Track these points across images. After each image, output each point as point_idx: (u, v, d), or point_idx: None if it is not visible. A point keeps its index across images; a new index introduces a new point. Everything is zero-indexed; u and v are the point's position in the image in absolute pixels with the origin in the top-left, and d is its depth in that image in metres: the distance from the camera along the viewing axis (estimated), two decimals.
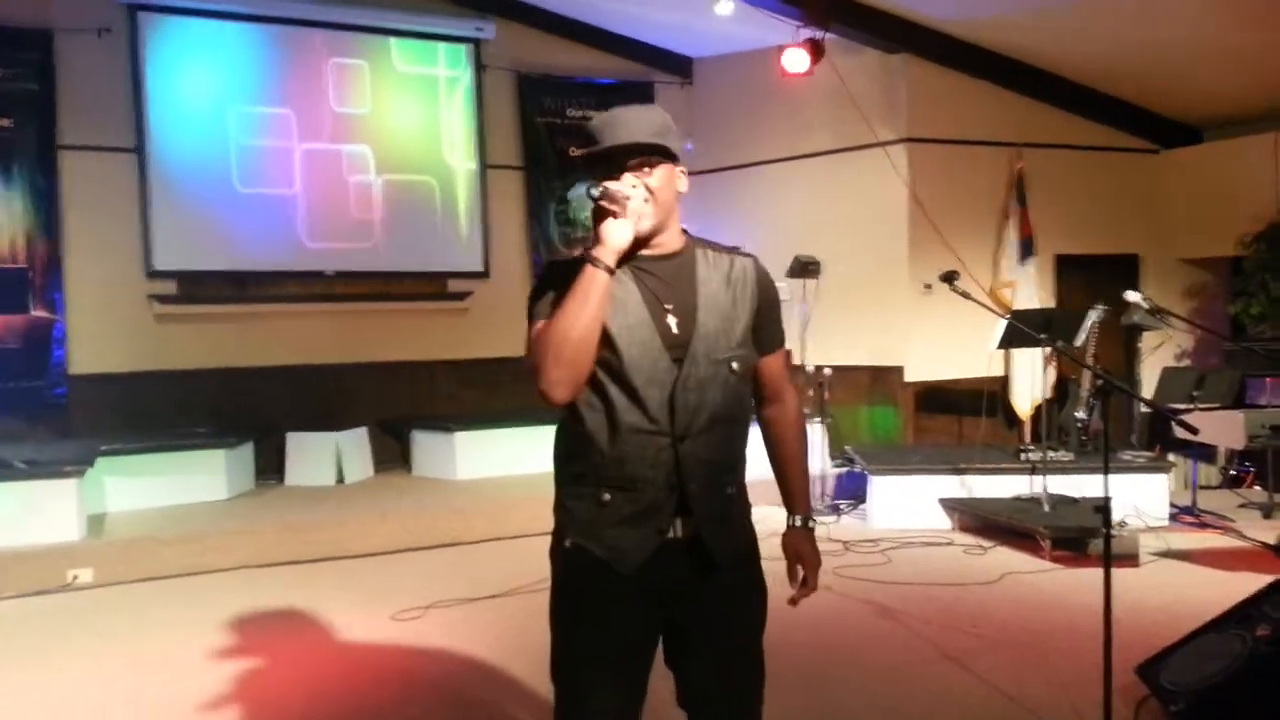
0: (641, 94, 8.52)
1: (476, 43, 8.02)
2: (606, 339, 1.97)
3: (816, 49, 7.00)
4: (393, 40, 7.75)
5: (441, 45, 7.92)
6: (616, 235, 1.92)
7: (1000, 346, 6.26)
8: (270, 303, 7.39)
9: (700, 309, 2.03)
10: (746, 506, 2.17)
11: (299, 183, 7.45)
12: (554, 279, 1.99)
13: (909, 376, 7.44)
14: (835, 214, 7.72)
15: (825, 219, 7.74)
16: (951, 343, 7.22)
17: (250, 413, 7.11)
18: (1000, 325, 5.86)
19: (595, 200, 1.94)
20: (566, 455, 2.09)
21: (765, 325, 2.13)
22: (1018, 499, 6.09)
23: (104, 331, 6.90)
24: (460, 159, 8.03)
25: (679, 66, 8.69)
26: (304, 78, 7.49)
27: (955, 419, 7.50)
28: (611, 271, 1.92)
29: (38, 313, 6.57)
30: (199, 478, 6.40)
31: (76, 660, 4.19)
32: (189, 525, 5.79)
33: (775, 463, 2.24)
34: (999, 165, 7.58)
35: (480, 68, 8.06)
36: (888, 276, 7.45)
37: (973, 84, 7.49)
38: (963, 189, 7.49)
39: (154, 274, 7.06)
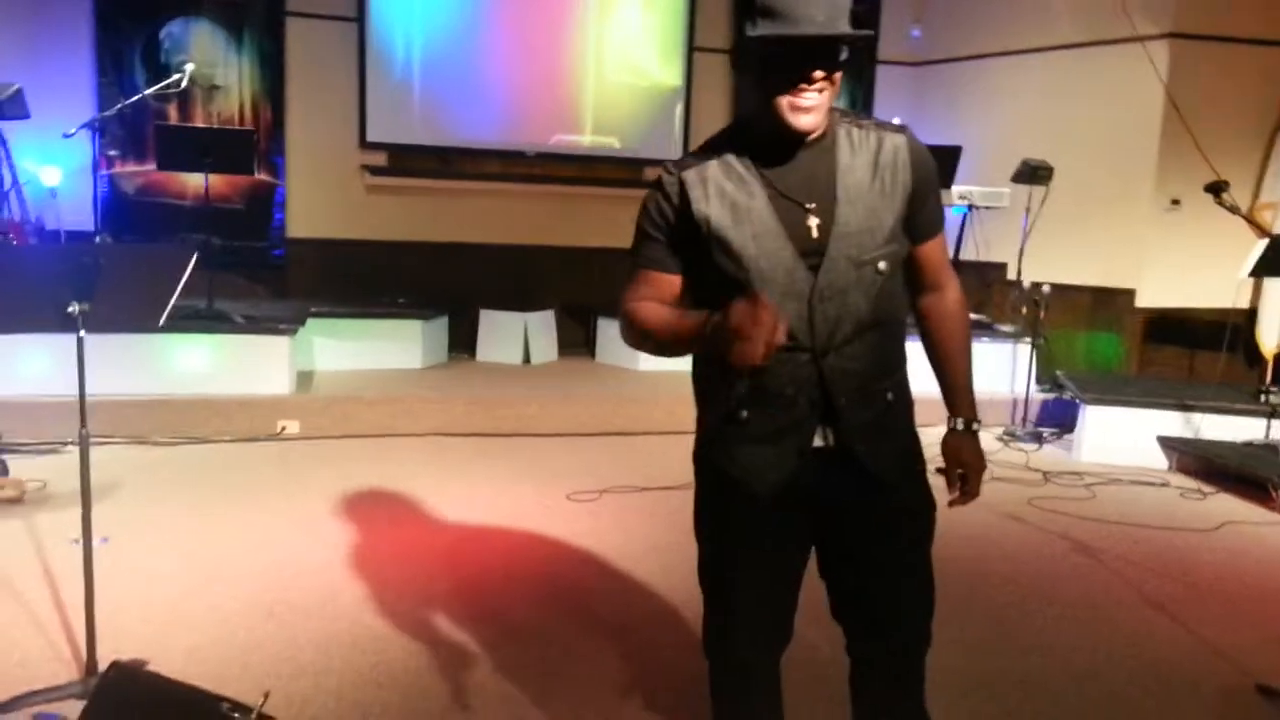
0: None
1: None
2: (729, 250, 1.77)
3: None
4: None
5: None
6: (740, 363, 1.57)
7: (1253, 274, 5.54)
8: (472, 180, 7.47)
9: (840, 204, 1.76)
10: (908, 412, 1.94)
11: (504, 63, 7.42)
12: (659, 208, 1.82)
13: (1141, 301, 6.72)
14: (1075, 115, 6.96)
15: (1063, 120, 6.99)
16: (1194, 266, 6.46)
17: (448, 287, 7.26)
18: (1258, 248, 5.17)
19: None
20: (703, 369, 1.91)
21: (923, 210, 1.85)
22: (1250, 444, 5.46)
23: (319, 198, 7.19)
24: (668, 41, 7.75)
25: None
26: None
27: (1188, 352, 6.77)
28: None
29: (261, 176, 6.89)
30: (397, 345, 6.65)
31: (280, 503, 4.47)
32: (386, 389, 6.02)
33: (934, 359, 1.99)
34: (1278, 69, 6.60)
35: None
36: (1129, 189, 6.70)
37: None
38: (1230, 95, 6.57)
39: (367, 145, 7.25)
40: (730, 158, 1.80)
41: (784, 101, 1.70)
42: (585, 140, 7.67)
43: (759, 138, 1.78)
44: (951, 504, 1.96)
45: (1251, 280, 6.29)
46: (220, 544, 3.94)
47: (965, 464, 1.94)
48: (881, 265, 1.79)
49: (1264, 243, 5.06)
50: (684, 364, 1.95)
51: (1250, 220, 3.53)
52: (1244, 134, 6.66)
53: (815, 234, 1.76)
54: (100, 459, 4.65)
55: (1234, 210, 3.24)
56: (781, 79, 1.69)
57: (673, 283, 1.85)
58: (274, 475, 4.91)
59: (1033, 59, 7.25)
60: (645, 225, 1.85)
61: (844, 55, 1.70)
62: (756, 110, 1.76)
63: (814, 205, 1.77)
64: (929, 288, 1.96)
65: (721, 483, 1.88)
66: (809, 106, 1.70)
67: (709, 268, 1.80)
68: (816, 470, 1.84)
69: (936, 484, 1.95)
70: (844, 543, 1.92)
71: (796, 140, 1.76)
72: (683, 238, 1.82)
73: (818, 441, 1.83)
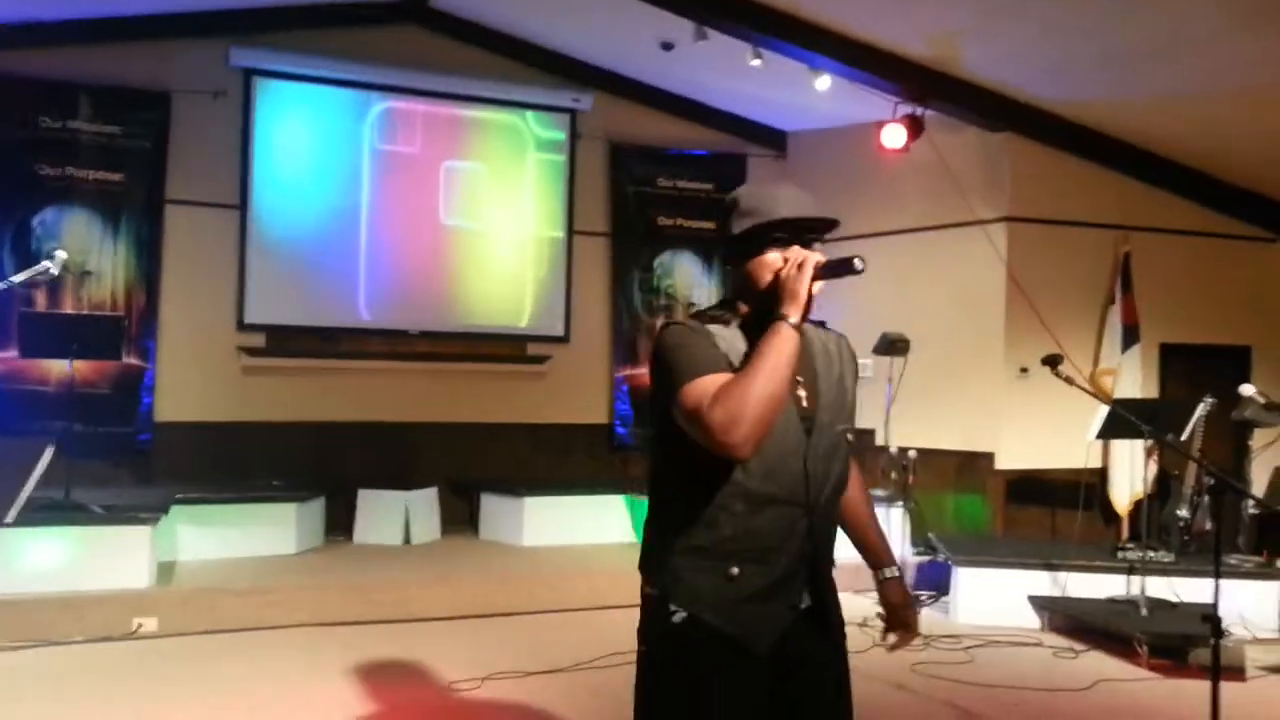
0: (735, 166, 8.50)
1: (573, 113, 8.12)
2: None
3: (915, 125, 6.88)
4: (490, 110, 7.89)
5: (538, 115, 8.04)
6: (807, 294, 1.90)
7: (1100, 436, 5.93)
8: (353, 359, 7.48)
9: (820, 378, 2.02)
10: None
11: (387, 244, 7.59)
12: (698, 335, 1.93)
13: (1000, 464, 7.08)
14: (927, 292, 7.49)
15: (916, 297, 7.51)
16: (1047, 430, 6.87)
17: (326, 467, 7.15)
18: (1101, 414, 5.54)
19: (857, 273, 1.96)
20: (685, 525, 1.94)
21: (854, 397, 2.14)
22: (1113, 600, 5.69)
23: (192, 381, 7.06)
24: (548, 224, 8.08)
25: (772, 140, 8.65)
26: (403, 143, 7.66)
27: (1048, 511, 7.10)
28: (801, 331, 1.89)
29: (130, 360, 6.74)
30: (269, 530, 6.43)
31: (131, 711, 4.16)
32: (255, 578, 5.79)
33: (855, 520, 2.22)
34: (1103, 248, 7.28)
35: (575, 136, 8.15)
36: (981, 358, 7.16)
37: (1078, 164, 7.23)
38: (1064, 271, 7.21)
39: (245, 327, 7.22)
40: (732, 329, 1.98)
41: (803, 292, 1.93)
42: (468, 318, 7.80)
43: (751, 318, 1.98)
44: (894, 648, 2.21)
45: (1101, 442, 6.70)
46: None
47: (907, 604, 2.23)
48: (849, 435, 2.05)
49: (1106, 408, 5.43)
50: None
51: (1088, 390, 3.82)
52: (1080, 305, 7.25)
53: (806, 403, 1.97)
54: None
55: (1069, 381, 3.52)
56: (785, 244, 1.97)
57: None
58: (126, 680, 4.57)
59: (886, 240, 7.78)
60: (692, 342, 1.91)
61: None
62: (759, 296, 1.96)
63: (801, 378, 1.97)
64: None
65: (700, 643, 1.90)
66: (815, 296, 1.95)
67: None
68: (794, 627, 1.96)
69: None
70: (798, 695, 1.98)
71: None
72: None
73: (802, 603, 1.96)
